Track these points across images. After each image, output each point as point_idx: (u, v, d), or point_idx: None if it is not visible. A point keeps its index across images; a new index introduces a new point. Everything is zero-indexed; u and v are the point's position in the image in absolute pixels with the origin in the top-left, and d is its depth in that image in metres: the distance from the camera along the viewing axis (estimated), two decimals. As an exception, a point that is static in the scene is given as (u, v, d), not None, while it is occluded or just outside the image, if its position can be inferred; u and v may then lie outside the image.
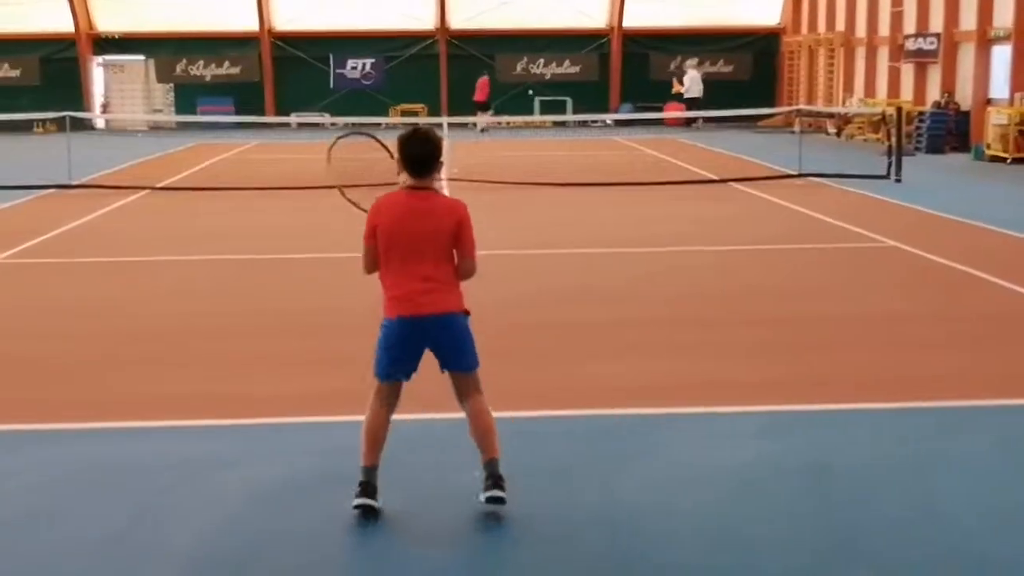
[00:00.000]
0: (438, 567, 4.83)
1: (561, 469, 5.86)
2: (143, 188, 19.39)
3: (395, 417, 5.33)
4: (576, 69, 38.16)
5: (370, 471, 5.19)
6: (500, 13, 37.46)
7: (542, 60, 38.08)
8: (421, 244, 5.08)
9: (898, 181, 19.27)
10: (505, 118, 33.91)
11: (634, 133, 32.52)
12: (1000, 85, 25.37)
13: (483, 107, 34.30)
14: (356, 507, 5.14)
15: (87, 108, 36.32)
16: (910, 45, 28.70)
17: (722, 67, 38.06)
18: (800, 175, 20.22)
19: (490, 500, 5.15)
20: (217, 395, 7.37)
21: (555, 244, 13.28)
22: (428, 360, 5.30)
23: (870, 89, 31.42)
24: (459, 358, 5.22)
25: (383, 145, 5.62)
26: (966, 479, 5.78)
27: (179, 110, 37.20)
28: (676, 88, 35.11)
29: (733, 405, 6.99)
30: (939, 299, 10.37)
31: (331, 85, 37.77)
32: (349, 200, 5.72)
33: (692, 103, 34.06)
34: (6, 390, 7.56)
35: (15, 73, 37.55)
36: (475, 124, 33.51)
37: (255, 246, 13.46)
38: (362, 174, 5.62)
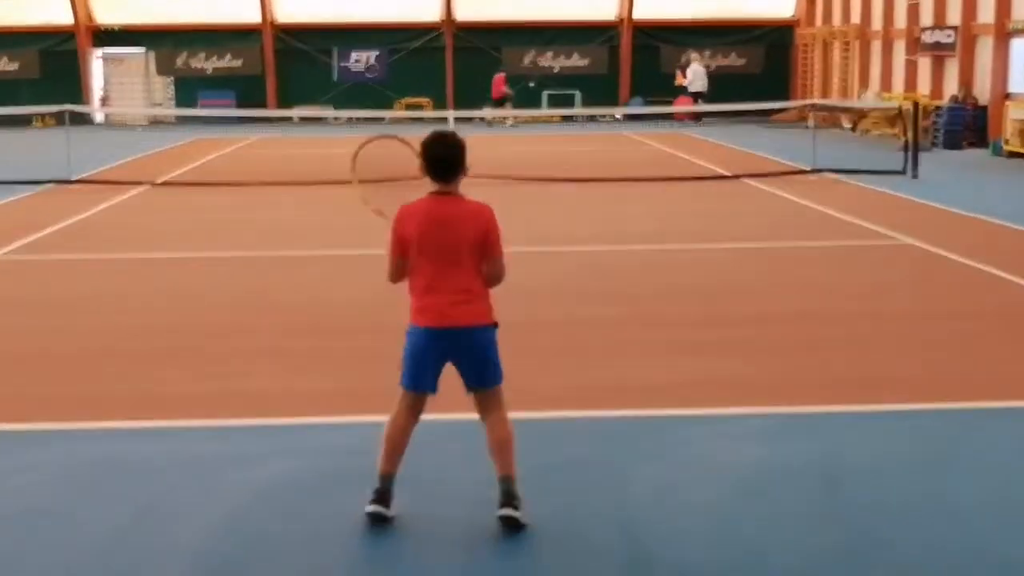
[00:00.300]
0: (445, 566, 4.78)
1: (571, 469, 5.87)
2: (143, 183, 19.17)
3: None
4: (585, 62, 37.77)
5: (386, 478, 5.10)
6: (507, 4, 37.13)
7: (550, 53, 37.71)
8: (448, 252, 4.93)
9: (914, 177, 18.96)
10: (512, 112, 33.57)
11: (644, 128, 32.30)
12: (1019, 79, 24.93)
13: (501, 104, 33.97)
14: (368, 514, 5.05)
15: (86, 102, 36.12)
16: (927, 38, 28.30)
17: (734, 60, 37.67)
18: (814, 171, 19.88)
19: (502, 520, 5.02)
20: (222, 393, 7.33)
21: (563, 241, 13.03)
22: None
23: (886, 83, 31.02)
24: (483, 374, 5.06)
25: (406, 142, 5.43)
26: (979, 480, 5.71)
27: (180, 103, 36.95)
28: (679, 80, 34.89)
29: (743, 405, 6.94)
30: (955, 297, 10.23)
31: (334, 78, 37.48)
32: (374, 210, 5.49)
33: (696, 97, 33.77)
34: (7, 387, 7.51)
35: (14, 66, 37.33)
36: (482, 119, 33.13)
37: (257, 242, 13.28)
38: (385, 166, 5.40)
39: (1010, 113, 23.91)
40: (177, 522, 5.21)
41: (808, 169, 20.00)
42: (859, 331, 8.78)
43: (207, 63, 37.67)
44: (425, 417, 5.20)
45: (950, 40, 27.20)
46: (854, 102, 30.99)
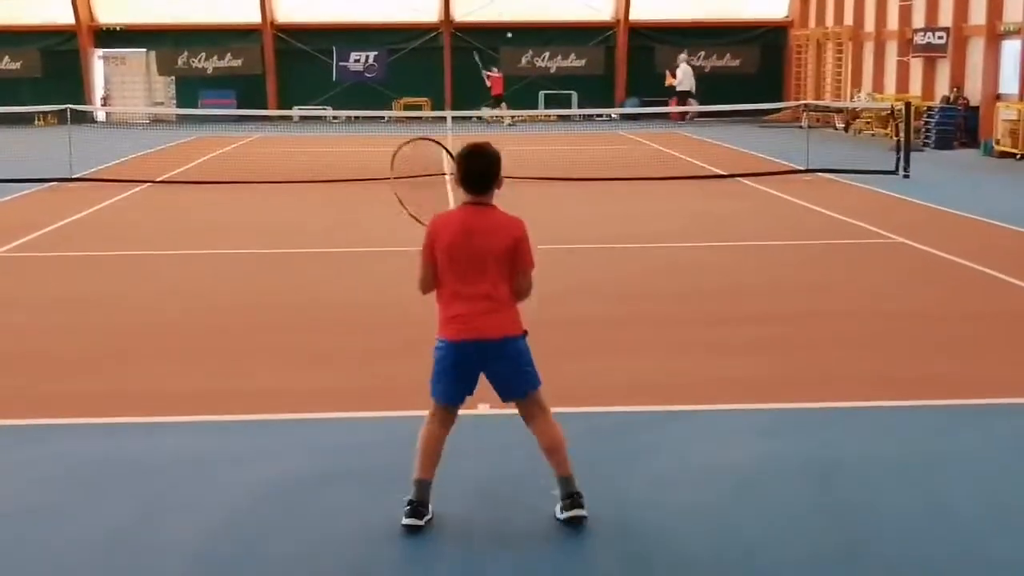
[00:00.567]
0: (443, 560, 4.81)
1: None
2: (144, 182, 19.29)
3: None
4: (582, 63, 37.94)
5: (423, 486, 5.06)
6: (504, 5, 37.27)
7: (547, 53, 37.86)
8: (479, 262, 4.91)
9: (906, 177, 19.13)
10: (509, 112, 33.72)
11: (640, 127, 32.39)
12: (1010, 80, 25.16)
13: (501, 100, 34.19)
14: (405, 526, 5.00)
15: (88, 101, 36.19)
16: (919, 39, 28.50)
17: (729, 61, 37.85)
18: (808, 170, 20.06)
19: (570, 520, 5.04)
20: (223, 391, 7.32)
21: (559, 240, 13.08)
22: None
23: (878, 84, 31.22)
24: (518, 384, 5.08)
25: (439, 143, 5.44)
26: (973, 478, 5.75)
27: (181, 103, 37.05)
28: (669, 81, 35.08)
29: (738, 403, 6.96)
30: (947, 296, 10.29)
31: (334, 78, 37.60)
32: (411, 215, 5.53)
33: (684, 96, 34.02)
34: (9, 385, 7.49)
35: (16, 65, 37.41)
36: (479, 118, 33.31)
37: (257, 240, 13.34)
38: (422, 167, 5.45)
39: (1001, 113, 24.10)
40: (179, 519, 5.20)
41: (802, 169, 20.17)
42: (855, 330, 8.84)
43: (207, 63, 37.78)
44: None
45: (942, 41, 27.40)
46: (847, 103, 31.18)
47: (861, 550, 4.86)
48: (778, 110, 33.45)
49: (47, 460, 6.01)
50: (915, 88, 28.98)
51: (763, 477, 5.72)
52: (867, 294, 10.28)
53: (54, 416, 6.76)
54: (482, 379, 5.12)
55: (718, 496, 5.46)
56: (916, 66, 29.16)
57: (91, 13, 37.71)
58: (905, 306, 9.80)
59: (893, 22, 30.44)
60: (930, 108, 26.61)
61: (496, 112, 33.23)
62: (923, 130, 25.69)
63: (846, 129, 30.31)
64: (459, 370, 5.00)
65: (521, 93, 36.19)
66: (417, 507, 5.00)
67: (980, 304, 9.91)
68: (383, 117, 31.66)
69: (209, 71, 37.78)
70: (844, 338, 8.60)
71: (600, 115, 35.57)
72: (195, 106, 35.10)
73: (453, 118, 24.60)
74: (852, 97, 31.85)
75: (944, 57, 27.50)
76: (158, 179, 19.77)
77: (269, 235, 13.76)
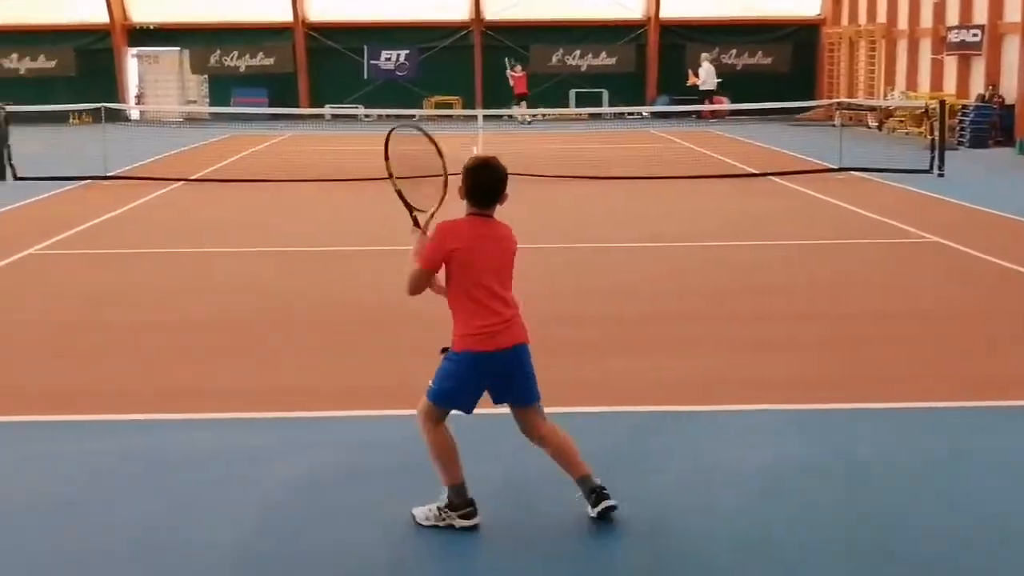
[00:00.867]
0: (467, 560, 4.81)
1: (595, 465, 5.68)
2: (178, 180, 19.42)
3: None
4: (612, 60, 37.89)
5: (462, 487, 5.04)
6: (535, 4, 37.30)
7: (578, 51, 37.84)
8: (497, 271, 4.92)
9: (941, 176, 19.00)
10: (540, 110, 33.74)
11: (671, 125, 32.33)
12: (1046, 78, 24.93)
13: (524, 98, 34.25)
14: (468, 527, 5.02)
15: (121, 99, 36.49)
16: (953, 37, 28.28)
17: (761, 59, 37.71)
18: (841, 169, 19.96)
19: (603, 513, 5.05)
20: (256, 388, 7.35)
21: (591, 238, 13.16)
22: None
23: (912, 82, 31.00)
24: (528, 391, 5.05)
25: (429, 138, 5.31)
26: (1006, 480, 5.67)
27: (213, 101, 37.29)
28: (691, 80, 35.04)
29: (767, 402, 6.89)
30: (981, 296, 10.19)
31: (365, 76, 37.72)
32: (416, 213, 5.21)
33: (707, 95, 33.96)
34: (44, 381, 7.54)
35: (51, 64, 37.75)
36: (510, 116, 33.36)
37: (290, 239, 13.39)
38: (420, 165, 5.35)
39: (1037, 112, 23.89)
40: (209, 515, 5.22)
41: (835, 167, 20.06)
42: (889, 329, 8.77)
43: (240, 61, 38.00)
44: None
45: (976, 39, 27.17)
46: (880, 101, 30.99)
47: (893, 554, 4.80)
48: (810, 108, 33.28)
49: (77, 456, 6.04)
50: (949, 86, 28.77)
51: (794, 478, 5.66)
52: (902, 294, 10.22)
53: (84, 412, 6.81)
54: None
55: (749, 497, 5.42)
56: (950, 64, 28.95)
57: (125, 12, 38.00)
58: (941, 306, 9.74)
59: (927, 19, 30.21)
60: (965, 106, 26.39)
61: (527, 112, 33.28)
62: (957, 128, 25.50)
63: (879, 127, 30.13)
64: (483, 380, 4.97)
65: (552, 91, 36.19)
66: (471, 508, 5.03)
67: (1018, 303, 9.84)
68: (414, 115, 31.73)
69: (241, 69, 37.99)
70: (876, 337, 8.54)
71: (631, 113, 35.53)
72: (227, 104, 35.33)
73: (484, 116, 24.61)
74: (885, 95, 31.65)
75: (979, 55, 27.27)
76: (191, 177, 19.90)
77: (300, 233, 13.82)
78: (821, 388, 7.29)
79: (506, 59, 35.68)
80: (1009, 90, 26.07)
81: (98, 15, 37.42)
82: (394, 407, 6.60)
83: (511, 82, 35.12)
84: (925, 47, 30.55)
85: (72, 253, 12.61)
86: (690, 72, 35.33)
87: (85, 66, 37.42)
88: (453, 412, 5.04)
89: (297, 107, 35.50)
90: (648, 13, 37.91)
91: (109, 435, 6.39)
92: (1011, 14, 26.03)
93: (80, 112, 33.57)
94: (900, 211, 14.97)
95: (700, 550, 4.87)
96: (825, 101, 32.65)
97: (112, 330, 8.96)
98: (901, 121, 29.35)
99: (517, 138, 28.53)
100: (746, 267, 11.46)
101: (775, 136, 28.10)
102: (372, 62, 37.85)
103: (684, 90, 35.14)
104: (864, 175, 19.44)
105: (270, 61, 37.98)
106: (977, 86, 27.45)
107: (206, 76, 38.41)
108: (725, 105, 32.90)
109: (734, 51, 37.36)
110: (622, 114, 35.47)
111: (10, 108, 20.26)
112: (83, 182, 19.15)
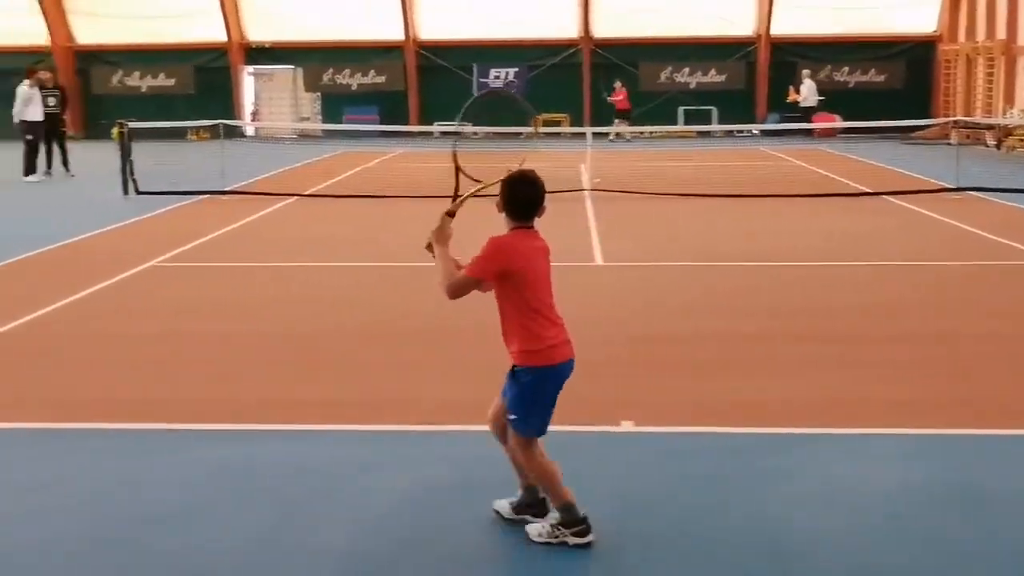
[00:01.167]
0: (580, 570, 4.81)
1: (706, 486, 5.78)
2: (291, 195, 19.82)
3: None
4: (722, 78, 37.65)
5: (572, 507, 5.06)
6: (644, 21, 37.23)
7: (687, 69, 37.68)
8: (547, 283, 5.00)
9: (1064, 196, 18.46)
10: (632, 129, 33.67)
11: (781, 143, 31.97)
12: None
13: (626, 115, 34.22)
14: (586, 544, 5.04)
15: (238, 116, 37.40)
16: (1076, 53, 27.47)
17: (874, 76, 37.08)
18: (957, 189, 19.50)
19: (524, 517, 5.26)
20: (362, 401, 7.44)
21: (701, 256, 13.09)
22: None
23: (1032, 99, 30.17)
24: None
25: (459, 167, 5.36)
26: None
27: (325, 118, 37.99)
28: (792, 97, 34.61)
29: (878, 426, 6.76)
30: None
31: (474, 94, 38.05)
32: (467, 176, 5.43)
33: (808, 112, 33.50)
34: (160, 390, 7.72)
35: (170, 82, 38.88)
36: (618, 134, 33.37)
37: (398, 254, 13.54)
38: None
39: None
40: (319, 525, 5.29)
41: (951, 187, 19.63)
42: (1006, 353, 8.57)
43: (352, 79, 38.66)
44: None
45: (1102, 56, 26.37)
46: (999, 119, 30.22)
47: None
48: (926, 127, 32.60)
49: (192, 464, 6.17)
50: (1072, 104, 27.94)
51: (908, 504, 5.53)
52: (1018, 317, 9.95)
53: (202, 421, 6.96)
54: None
55: (860, 521, 5.32)
56: (1073, 81, 28.12)
57: (242, 31, 38.97)
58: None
59: (1049, 36, 29.42)
60: (1088, 125, 25.61)
61: (628, 129, 33.23)
62: (1081, 147, 24.75)
63: (998, 146, 29.37)
64: (555, 395, 4.99)
65: (660, 109, 36.08)
66: (585, 524, 5.03)
67: None
68: (521, 133, 31.90)
69: (353, 87, 38.65)
70: (994, 361, 8.32)
71: (740, 131, 35.22)
72: (339, 121, 35.96)
73: (593, 134, 24.63)
74: (1004, 113, 30.84)
75: (1104, 72, 26.45)
76: (304, 193, 20.29)
77: (408, 248, 13.87)
78: (937, 412, 7.13)
79: (603, 94, 35.63)
80: None
81: (216, 35, 38.42)
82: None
83: (611, 99, 35.16)
84: (1046, 64, 29.75)
85: (191, 266, 12.94)
86: (791, 89, 34.96)
87: (203, 84, 38.46)
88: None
89: (407, 124, 35.96)
90: (759, 30, 37.58)
91: (220, 444, 6.51)
92: None
93: (198, 128, 34.55)
94: (1019, 232, 14.58)
95: (815, 574, 4.80)
96: (941, 119, 31.96)
97: (228, 341, 9.17)
98: (1021, 140, 28.57)
99: (624, 156, 28.51)
100: (854, 286, 11.31)
101: (889, 155, 27.58)
102: (481, 79, 38.20)
103: (795, 108, 34.75)
104: (981, 195, 18.97)
105: (381, 79, 38.56)
106: (1102, 104, 26.62)
107: (319, 94, 39.17)
108: (836, 123, 32.42)
109: (846, 68, 36.79)
110: (731, 132, 35.21)
111: (132, 125, 20.88)
112: (201, 197, 19.66)
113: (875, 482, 5.84)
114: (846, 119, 32.25)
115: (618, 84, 35.36)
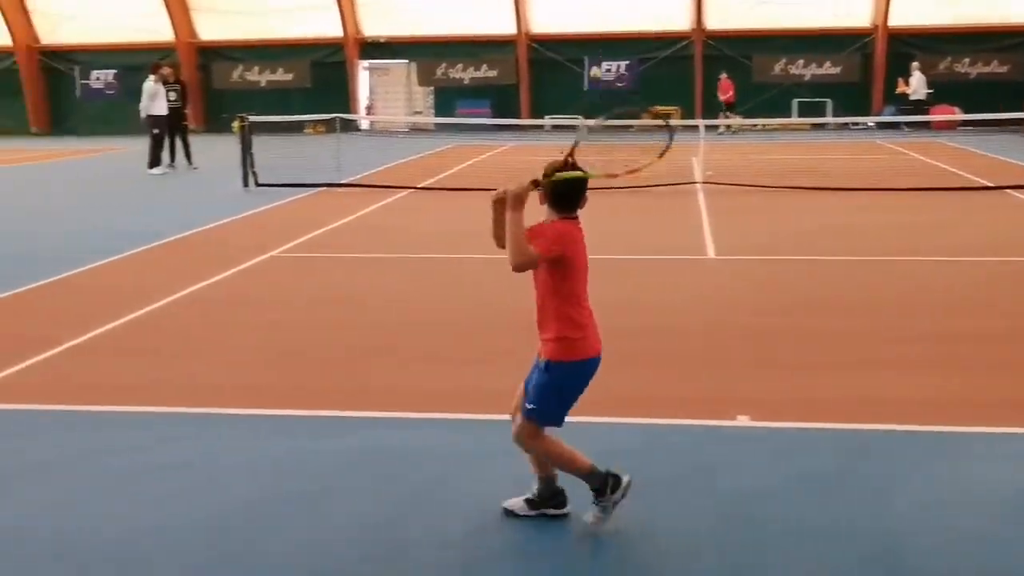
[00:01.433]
0: (691, 568, 4.81)
1: (828, 482, 5.72)
2: (405, 188, 20.10)
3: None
4: (837, 70, 37.07)
5: (597, 471, 5.12)
6: (757, 13, 36.87)
7: (801, 61, 37.18)
8: (587, 275, 5.08)
9: None
10: (738, 122, 33.35)
11: (898, 136, 31.33)
12: None
13: (733, 108, 33.99)
14: (627, 487, 5.13)
15: (352, 110, 38.01)
16: None
17: (996, 67, 36.13)
18: (1086, 182, 18.96)
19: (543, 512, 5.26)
20: (486, 389, 7.47)
21: (818, 251, 12.96)
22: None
23: None
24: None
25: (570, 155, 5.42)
26: None
27: (438, 112, 38.41)
28: (901, 88, 33.96)
29: (1011, 425, 6.60)
30: None
31: (585, 87, 38.08)
32: (617, 173, 5.45)
33: (918, 105, 32.78)
34: (288, 378, 7.89)
35: (288, 77, 39.72)
36: (729, 127, 33.11)
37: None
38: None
39: None
40: (445, 511, 5.36)
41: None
42: None
43: (464, 73, 39.03)
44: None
45: None
46: None
47: None
48: (1051, 119, 31.64)
49: (320, 450, 6.27)
50: None
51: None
52: None
53: (329, 408, 7.08)
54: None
55: (991, 523, 5.21)
56: None
57: (357, 26, 39.60)
58: None
59: None
60: None
61: (735, 121, 32.96)
62: None
63: None
64: (583, 390, 5.04)
65: (774, 101, 35.68)
66: (615, 474, 5.12)
67: None
68: (631, 126, 31.82)
69: (465, 81, 38.99)
70: None
71: (856, 123, 34.64)
72: (452, 115, 36.33)
73: (706, 126, 24.50)
74: None
75: None
76: (418, 185, 20.55)
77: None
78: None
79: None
80: None
81: (333, 30, 39.11)
82: (636, 415, 6.67)
83: (720, 95, 34.90)
84: None
85: (309, 256, 13.22)
86: (900, 80, 34.28)
87: (320, 78, 39.19)
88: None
89: (518, 118, 36.15)
90: (876, 21, 36.87)
91: (346, 432, 6.62)
92: None
93: (315, 122, 35.24)
94: None
95: (936, 573, 4.75)
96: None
97: (352, 330, 9.32)
98: None
99: (736, 148, 28.27)
100: (980, 284, 11.06)
101: (1011, 148, 26.85)
102: (592, 73, 38.20)
103: (906, 100, 34.08)
104: (1111, 189, 18.42)
105: (493, 73, 38.84)
106: None
107: (432, 88, 39.59)
108: (956, 115, 31.68)
109: (967, 60, 35.92)
110: (846, 124, 34.67)
111: (252, 118, 21.40)
112: (318, 189, 20.04)
113: (1008, 483, 5.70)
114: (966, 111, 31.47)
115: (723, 76, 35.09)
